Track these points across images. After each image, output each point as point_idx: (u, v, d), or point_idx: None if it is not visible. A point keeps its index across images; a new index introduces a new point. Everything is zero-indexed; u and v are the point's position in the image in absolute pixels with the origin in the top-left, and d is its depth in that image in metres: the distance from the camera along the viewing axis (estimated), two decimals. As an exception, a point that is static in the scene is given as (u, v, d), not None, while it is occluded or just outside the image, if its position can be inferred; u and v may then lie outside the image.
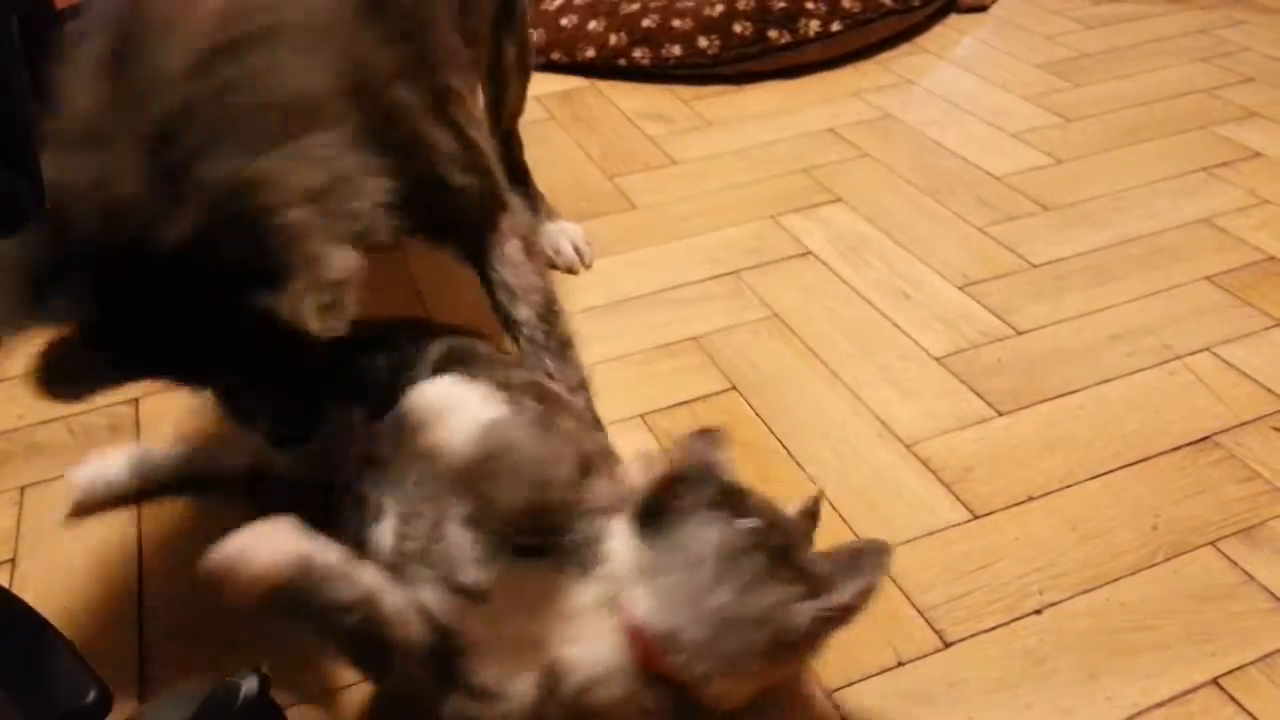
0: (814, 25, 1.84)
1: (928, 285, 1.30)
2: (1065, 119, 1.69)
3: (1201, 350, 1.15)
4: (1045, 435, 1.05)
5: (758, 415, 1.10)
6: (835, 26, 1.84)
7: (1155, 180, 1.49)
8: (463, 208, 0.91)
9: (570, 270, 1.36)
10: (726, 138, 1.68)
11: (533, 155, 1.69)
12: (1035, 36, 2.01)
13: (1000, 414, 1.08)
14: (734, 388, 1.14)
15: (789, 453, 1.05)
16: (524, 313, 0.94)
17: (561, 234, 1.38)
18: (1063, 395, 1.10)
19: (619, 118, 1.76)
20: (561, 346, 0.95)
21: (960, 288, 1.29)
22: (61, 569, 0.95)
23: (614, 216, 1.50)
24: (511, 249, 0.96)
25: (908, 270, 1.33)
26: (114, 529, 0.99)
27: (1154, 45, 1.94)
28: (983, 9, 2.13)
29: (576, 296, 1.31)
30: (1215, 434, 1.03)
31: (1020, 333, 1.20)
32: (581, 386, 0.96)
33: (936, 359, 1.17)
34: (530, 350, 0.94)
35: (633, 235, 1.45)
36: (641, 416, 1.11)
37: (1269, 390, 1.08)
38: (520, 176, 1.42)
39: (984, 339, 1.19)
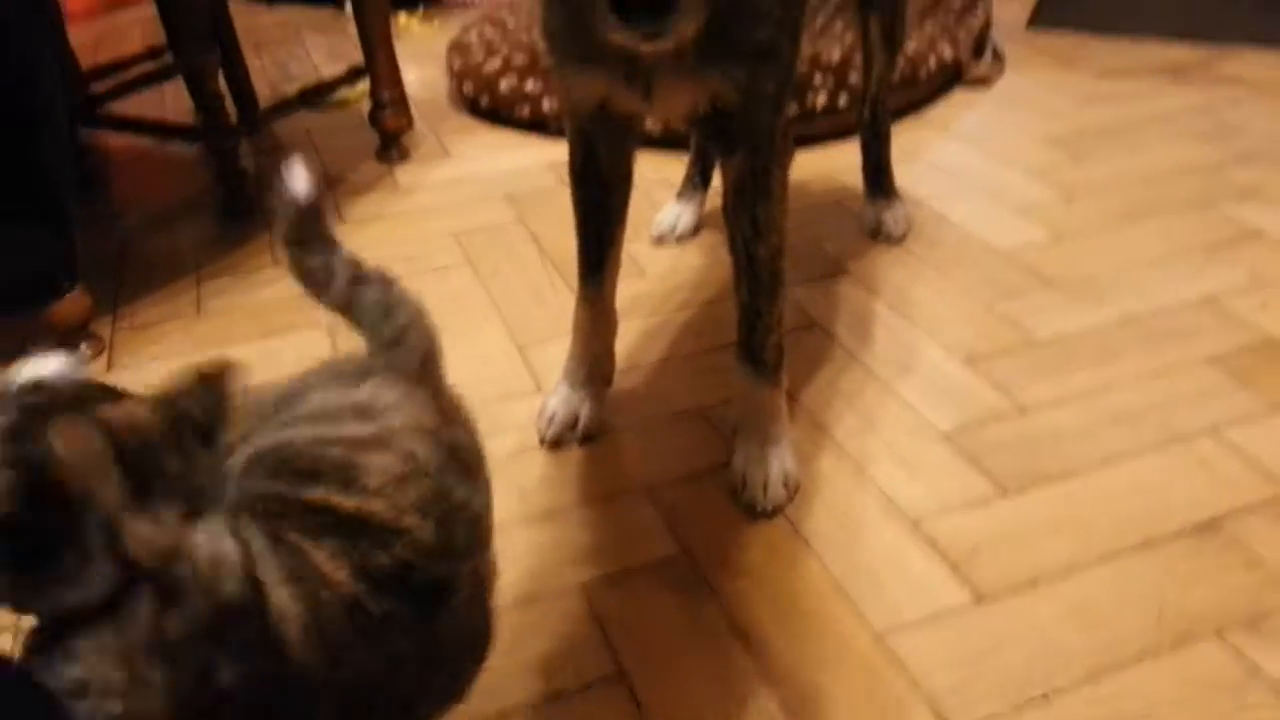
0: (821, 99, 1.88)
1: (932, 360, 1.31)
2: (1068, 195, 1.72)
3: (1204, 433, 1.15)
4: (1051, 516, 1.05)
5: (764, 490, 1.11)
6: (842, 101, 1.87)
7: (1157, 258, 1.51)
8: (757, 106, 0.96)
9: (888, 239, 1.59)
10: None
11: (542, 220, 1.72)
12: (1038, 112, 2.04)
13: (1006, 493, 1.08)
14: (740, 461, 1.15)
15: (795, 528, 1.05)
16: (759, 249, 1.04)
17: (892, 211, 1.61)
18: (1067, 475, 1.10)
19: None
20: (775, 285, 1.06)
21: (965, 363, 1.30)
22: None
23: (624, 283, 1.51)
24: (778, 177, 1.02)
25: (912, 344, 1.34)
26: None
27: (1154, 123, 1.97)
28: (986, 84, 2.17)
29: (585, 365, 1.32)
30: (1220, 519, 1.04)
31: (1024, 410, 1.21)
32: (780, 321, 1.09)
33: (942, 435, 1.18)
34: (749, 287, 1.06)
35: (642, 303, 1.47)
36: (647, 489, 1.12)
37: (1273, 475, 1.09)
38: (880, 171, 1.62)
39: (989, 416, 1.20)
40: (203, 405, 0.62)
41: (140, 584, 0.55)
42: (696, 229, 1.66)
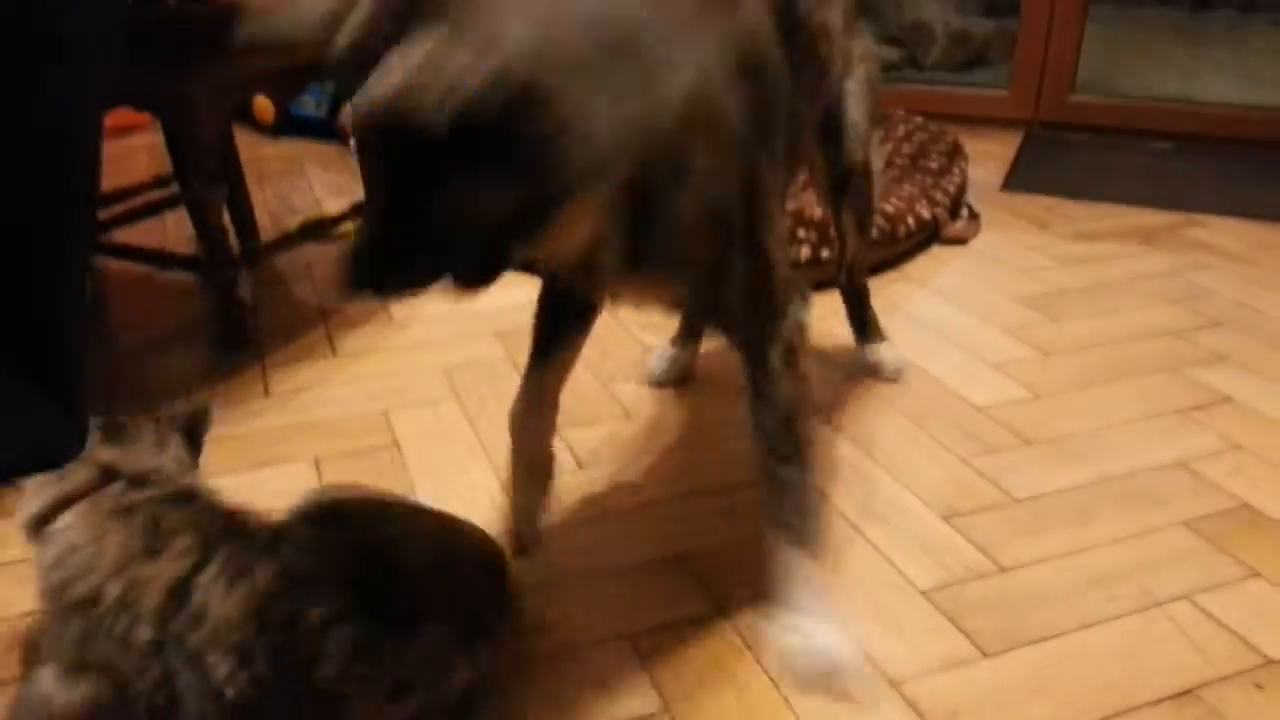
0: (805, 251, 1.94)
1: (912, 514, 1.33)
2: (1043, 353, 1.77)
3: (1181, 599, 1.17)
4: (1031, 680, 1.05)
5: (745, 644, 1.10)
6: (824, 254, 1.94)
7: (1132, 420, 1.55)
8: (738, 298, 1.02)
9: (887, 376, 1.67)
10: (721, 356, 1.75)
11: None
12: (1013, 271, 2.12)
13: (986, 655, 1.09)
14: (721, 611, 1.15)
15: (775, 686, 1.05)
16: (770, 421, 1.06)
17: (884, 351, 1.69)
18: (1047, 639, 1.11)
19: (616, 326, 1.84)
20: (795, 453, 1.07)
21: (944, 518, 1.32)
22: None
23: (609, 424, 1.54)
24: (775, 356, 1.05)
25: (893, 497, 1.36)
26: None
27: (1127, 285, 2.05)
28: (963, 242, 2.26)
29: (564, 504, 1.33)
30: (1196, 688, 1.04)
31: (1004, 570, 1.22)
32: (810, 486, 1.09)
33: (922, 592, 1.18)
34: (764, 456, 1.07)
35: (627, 446, 1.49)
36: (627, 637, 1.11)
37: (1248, 644, 1.10)
38: (865, 322, 1.71)
39: (968, 574, 1.21)
40: (187, 415, 1.07)
41: (117, 478, 0.94)
42: (688, 376, 1.69)
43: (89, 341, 0.79)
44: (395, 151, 0.76)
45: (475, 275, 0.82)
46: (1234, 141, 2.92)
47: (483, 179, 0.76)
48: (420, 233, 0.78)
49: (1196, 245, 2.26)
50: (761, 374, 1.05)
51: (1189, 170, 2.76)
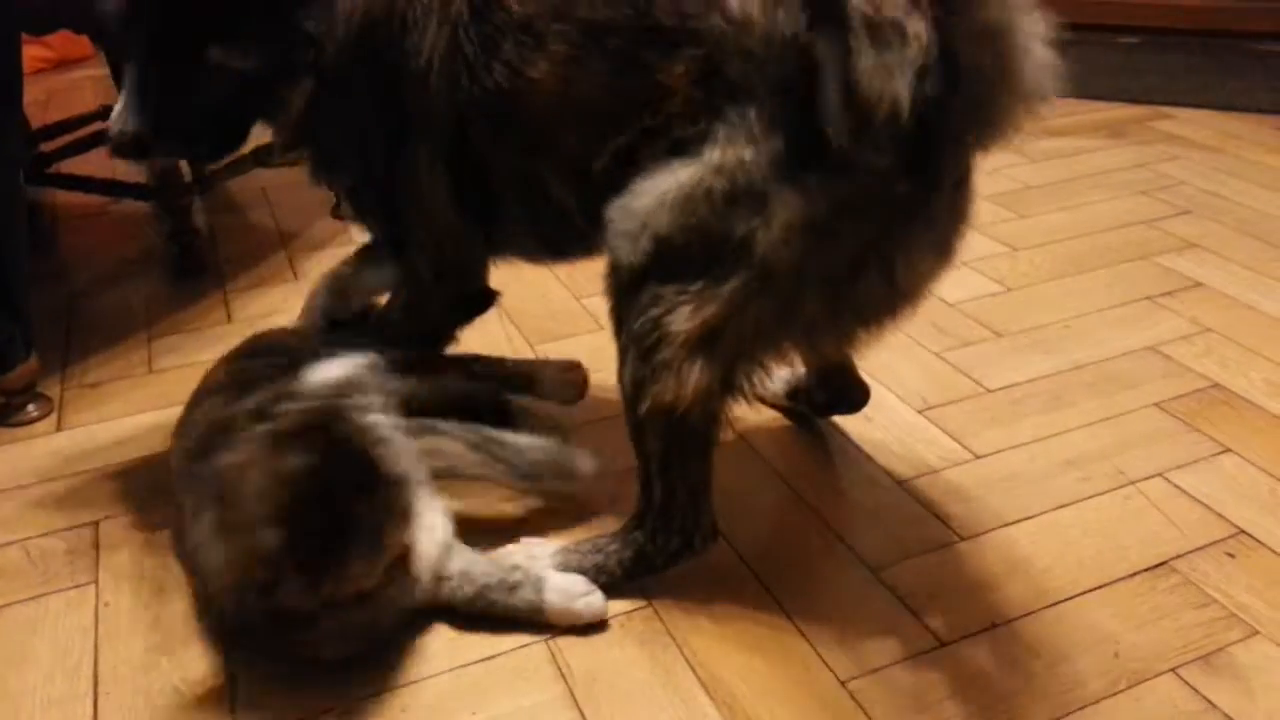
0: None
1: (888, 409, 1.33)
2: (1013, 248, 1.76)
3: (1153, 476, 1.18)
4: (1007, 560, 1.07)
5: (725, 539, 1.11)
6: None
7: (1102, 308, 1.55)
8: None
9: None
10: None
11: (500, 275, 1.72)
12: (982, 169, 2.10)
13: (962, 539, 1.10)
14: (701, 511, 1.15)
15: (756, 576, 1.05)
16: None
17: None
18: (1022, 520, 1.12)
19: (586, 241, 1.81)
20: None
21: (919, 411, 1.32)
22: (11, 699, 0.92)
23: (582, 337, 1.52)
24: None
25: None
26: (71, 656, 0.97)
27: (1095, 179, 2.04)
28: (933, 142, 2.23)
29: (551, 416, 1.32)
30: (1171, 559, 1.06)
31: (978, 457, 1.23)
32: None
33: (899, 483, 1.19)
34: None
35: (602, 355, 1.47)
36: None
37: (1220, 515, 1.12)
38: None
39: (944, 463, 1.22)
40: None
41: None
42: None
43: (30, 255, 0.76)
44: (158, 22, 0.91)
45: (220, 146, 1.02)
46: (1201, 34, 2.89)
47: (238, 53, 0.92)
48: (179, 102, 0.93)
49: (1164, 137, 2.25)
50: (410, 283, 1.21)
51: (1156, 64, 2.73)
